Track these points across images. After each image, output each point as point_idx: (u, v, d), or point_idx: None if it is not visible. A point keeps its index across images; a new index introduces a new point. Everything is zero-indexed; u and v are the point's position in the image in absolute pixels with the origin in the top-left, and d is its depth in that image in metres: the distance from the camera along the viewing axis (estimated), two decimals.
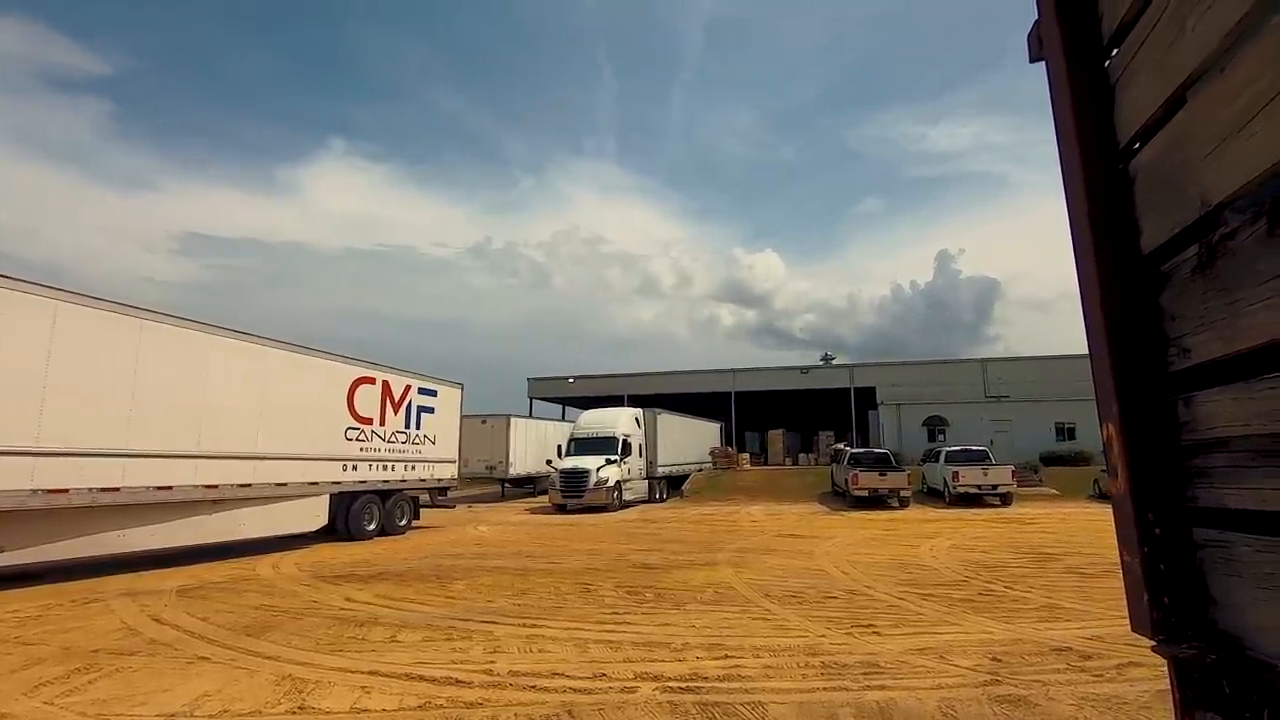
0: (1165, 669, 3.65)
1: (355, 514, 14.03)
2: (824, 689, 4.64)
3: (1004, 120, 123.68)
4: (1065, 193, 1.07)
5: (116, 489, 9.12)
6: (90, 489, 8.81)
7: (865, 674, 4.96)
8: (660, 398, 36.83)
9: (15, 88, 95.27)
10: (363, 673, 5.12)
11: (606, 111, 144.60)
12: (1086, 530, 15.02)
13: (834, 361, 45.60)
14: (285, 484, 12.05)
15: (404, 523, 15.71)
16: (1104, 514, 18.79)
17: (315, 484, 12.81)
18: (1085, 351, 1.05)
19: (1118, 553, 0.94)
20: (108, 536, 9.27)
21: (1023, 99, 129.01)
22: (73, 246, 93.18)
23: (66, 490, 8.55)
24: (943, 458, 23.13)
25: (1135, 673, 4.90)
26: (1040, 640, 5.84)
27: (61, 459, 8.47)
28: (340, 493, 13.60)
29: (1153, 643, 0.87)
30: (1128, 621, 0.95)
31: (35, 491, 8.24)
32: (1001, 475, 21.40)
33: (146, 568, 10.07)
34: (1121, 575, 0.94)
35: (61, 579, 9.07)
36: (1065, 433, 32.64)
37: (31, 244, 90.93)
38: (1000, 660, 5.25)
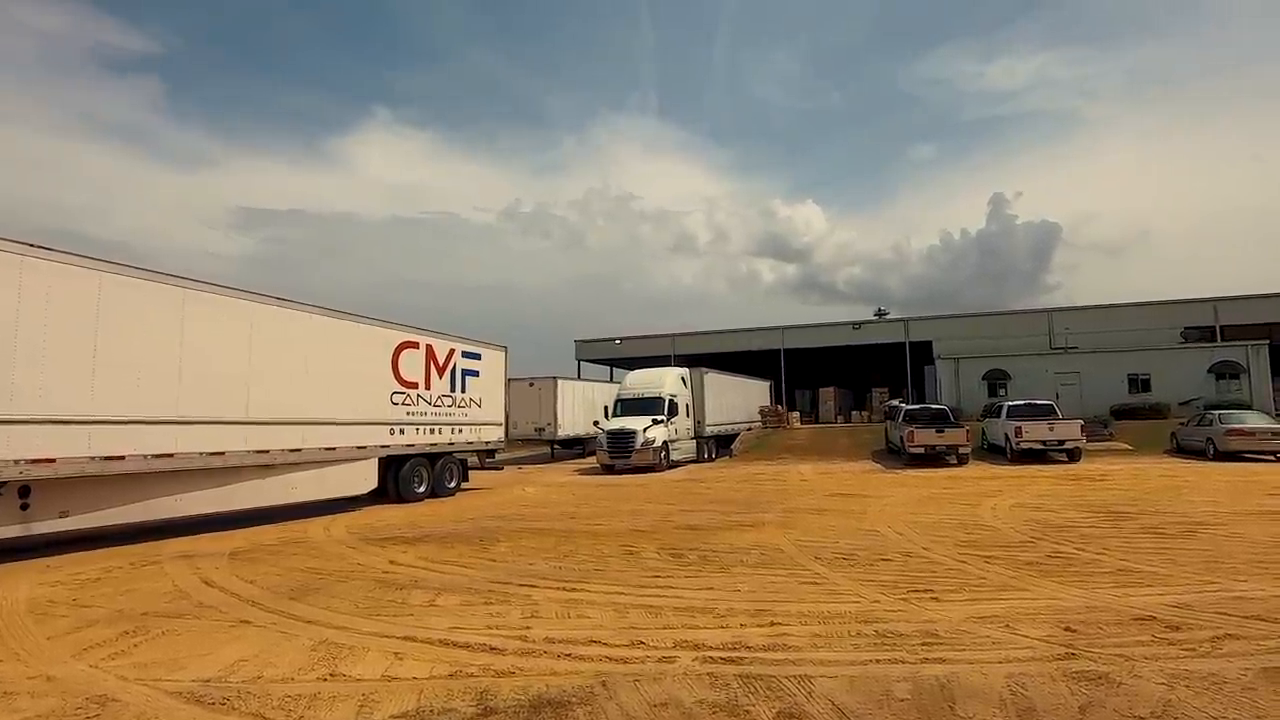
0: (1269, 643, 3.05)
1: (405, 477, 14.25)
2: (877, 661, 4.29)
3: (1070, 53, 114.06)
4: None
5: (170, 455, 9.34)
6: (145, 455, 9.03)
7: (923, 644, 4.59)
8: (707, 357, 36.39)
9: (71, 69, 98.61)
10: (398, 638, 5.04)
11: (646, 63, 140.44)
12: (1164, 487, 14.09)
13: (887, 316, 44.07)
14: (334, 448, 12.23)
15: (453, 485, 15.91)
16: (1184, 468, 17.70)
17: (363, 448, 12.98)
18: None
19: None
20: (165, 501, 9.56)
21: (1093, 27, 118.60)
22: (140, 224, 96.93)
23: (123, 456, 8.79)
24: (1005, 412, 22.11)
25: (1232, 646, 4.38)
26: (1119, 608, 5.34)
27: (115, 426, 8.67)
28: (389, 456, 13.79)
29: None
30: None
31: (93, 458, 8.48)
32: (1069, 430, 20.29)
33: (207, 530, 10.41)
34: None
35: (124, 542, 9.43)
36: (1138, 384, 30.87)
37: (102, 224, 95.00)
38: (1074, 630, 4.80)
